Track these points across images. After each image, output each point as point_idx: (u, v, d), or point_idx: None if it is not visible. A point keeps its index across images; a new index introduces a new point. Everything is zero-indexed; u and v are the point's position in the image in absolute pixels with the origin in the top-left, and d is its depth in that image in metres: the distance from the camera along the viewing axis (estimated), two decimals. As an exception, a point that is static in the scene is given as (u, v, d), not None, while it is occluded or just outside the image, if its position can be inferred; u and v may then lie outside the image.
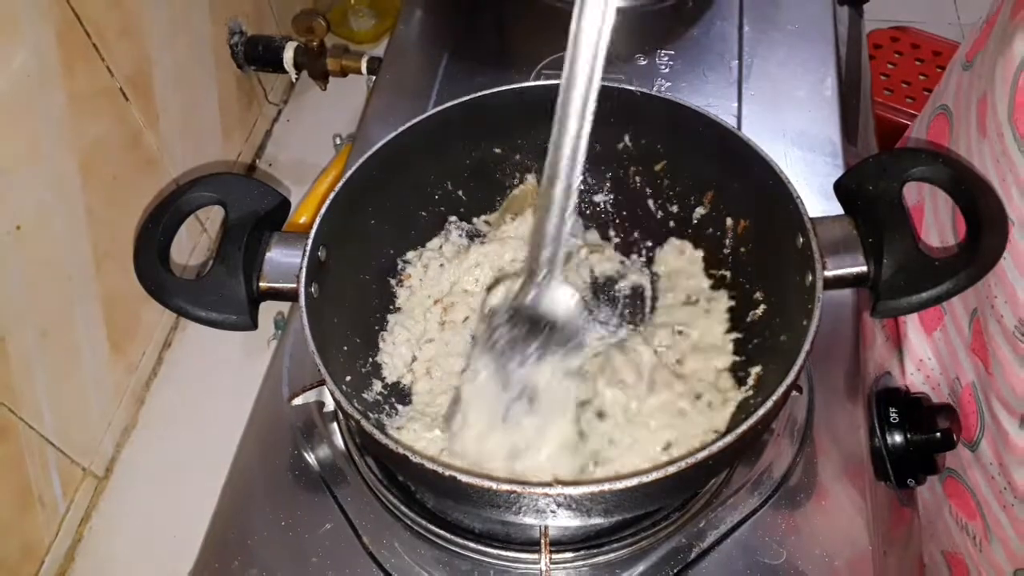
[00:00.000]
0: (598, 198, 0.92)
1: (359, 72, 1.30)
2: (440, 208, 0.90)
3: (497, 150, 0.89)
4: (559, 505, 0.61)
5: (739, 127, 0.89)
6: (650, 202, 0.90)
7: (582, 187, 0.92)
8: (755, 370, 0.76)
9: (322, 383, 0.77)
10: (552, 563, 0.72)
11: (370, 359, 0.82)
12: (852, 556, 0.74)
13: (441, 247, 0.90)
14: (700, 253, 0.88)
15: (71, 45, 0.93)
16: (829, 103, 1.07)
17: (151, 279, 0.70)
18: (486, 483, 0.59)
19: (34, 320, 0.90)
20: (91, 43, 0.96)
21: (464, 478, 0.60)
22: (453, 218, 0.91)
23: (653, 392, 0.76)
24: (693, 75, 1.10)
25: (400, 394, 0.82)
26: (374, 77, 1.23)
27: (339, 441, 0.84)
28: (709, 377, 0.79)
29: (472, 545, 0.76)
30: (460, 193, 0.90)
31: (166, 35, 1.11)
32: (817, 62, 1.11)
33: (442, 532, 0.76)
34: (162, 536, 0.97)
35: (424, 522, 0.77)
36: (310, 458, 0.83)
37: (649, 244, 0.91)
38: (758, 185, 0.76)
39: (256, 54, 1.30)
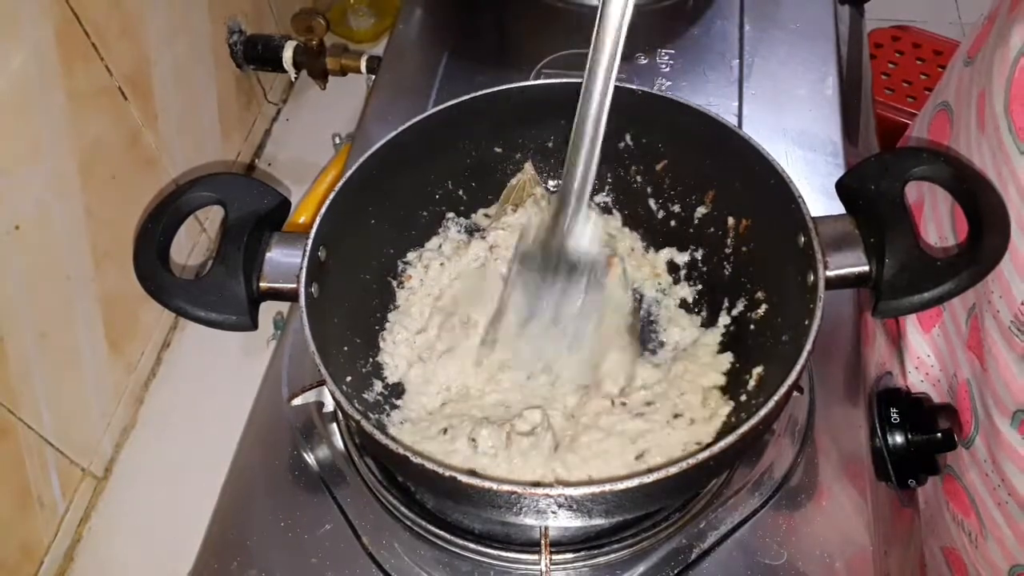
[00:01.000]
0: (599, 198, 0.92)
1: (358, 71, 1.30)
2: (441, 207, 0.90)
3: (498, 149, 0.89)
4: (560, 506, 0.61)
5: (740, 126, 0.89)
6: (651, 201, 0.90)
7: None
8: (756, 370, 0.76)
9: (322, 383, 0.77)
10: (552, 564, 0.72)
11: (370, 359, 0.82)
12: (853, 557, 0.74)
13: (440, 246, 0.90)
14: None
15: (70, 45, 0.93)
16: (830, 102, 1.06)
17: (151, 279, 0.70)
18: (486, 484, 0.59)
19: (33, 320, 0.90)
20: (90, 42, 0.96)
21: (464, 479, 0.59)
22: (451, 215, 0.91)
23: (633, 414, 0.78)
24: (694, 74, 1.10)
25: (400, 394, 0.82)
26: (374, 76, 1.23)
27: (339, 442, 0.83)
28: (696, 398, 0.79)
29: (472, 546, 0.76)
30: (461, 192, 0.90)
31: (165, 34, 1.11)
32: (818, 61, 1.11)
33: (442, 533, 0.76)
34: (161, 536, 0.97)
35: (424, 523, 0.77)
36: (309, 458, 0.83)
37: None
38: (760, 184, 0.75)
39: (255, 53, 1.29)
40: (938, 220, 0.91)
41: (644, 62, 1.11)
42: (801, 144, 1.02)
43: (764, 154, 0.75)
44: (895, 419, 0.84)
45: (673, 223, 0.89)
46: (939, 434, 0.82)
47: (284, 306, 1.08)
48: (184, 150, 1.17)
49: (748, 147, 0.76)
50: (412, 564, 0.76)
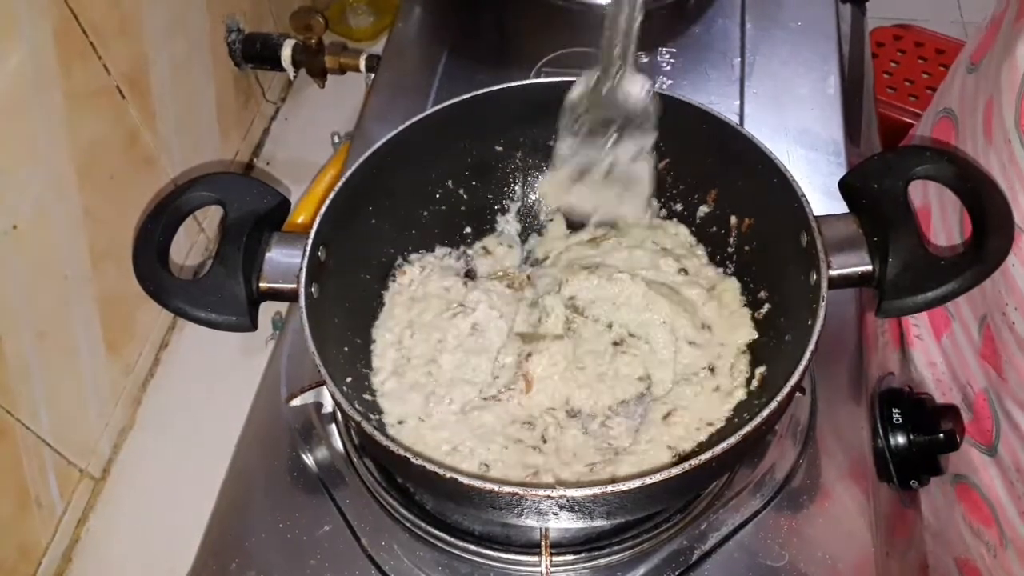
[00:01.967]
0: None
1: (357, 70, 1.29)
2: (441, 207, 0.89)
3: (498, 148, 0.89)
4: (561, 507, 0.61)
5: (741, 125, 0.88)
6: (653, 200, 0.89)
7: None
8: (759, 370, 0.76)
9: (320, 384, 0.76)
10: (552, 565, 0.72)
11: (370, 360, 0.81)
12: (855, 558, 0.74)
13: (444, 257, 0.90)
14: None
15: (68, 44, 0.92)
16: (832, 101, 1.06)
17: (150, 280, 0.70)
18: (487, 485, 0.59)
19: (31, 320, 0.90)
20: (88, 41, 0.95)
21: (465, 480, 0.59)
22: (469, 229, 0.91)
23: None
24: (695, 73, 1.10)
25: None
26: (373, 75, 1.23)
27: (337, 443, 0.83)
28: (730, 354, 0.79)
29: (472, 547, 0.75)
30: (461, 192, 0.90)
31: (163, 33, 1.10)
32: (820, 60, 1.11)
33: (441, 534, 0.76)
34: (159, 537, 0.97)
35: (423, 524, 0.76)
36: (308, 459, 0.82)
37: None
38: (762, 183, 0.75)
39: (254, 52, 1.29)
40: (947, 227, 0.90)
41: (645, 61, 1.11)
42: (803, 143, 1.02)
43: (767, 153, 0.75)
44: (897, 420, 0.84)
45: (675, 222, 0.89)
46: (941, 435, 0.82)
47: (283, 306, 1.08)
48: (182, 149, 1.17)
49: (751, 146, 0.76)
50: (411, 566, 0.75)
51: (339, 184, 0.76)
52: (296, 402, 0.82)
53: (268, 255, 0.73)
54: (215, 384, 1.10)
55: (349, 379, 0.75)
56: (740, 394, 0.76)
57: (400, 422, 0.77)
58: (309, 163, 1.29)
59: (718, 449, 0.59)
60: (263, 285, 0.72)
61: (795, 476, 0.78)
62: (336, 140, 1.28)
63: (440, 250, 0.89)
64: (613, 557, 0.74)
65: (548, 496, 0.59)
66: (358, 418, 0.64)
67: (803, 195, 0.71)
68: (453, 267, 0.89)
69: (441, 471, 0.59)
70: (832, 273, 0.68)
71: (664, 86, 1.08)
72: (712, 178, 0.84)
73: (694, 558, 0.74)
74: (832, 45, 1.13)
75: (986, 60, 0.84)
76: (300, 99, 1.45)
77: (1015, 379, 0.79)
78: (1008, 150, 0.75)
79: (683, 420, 0.74)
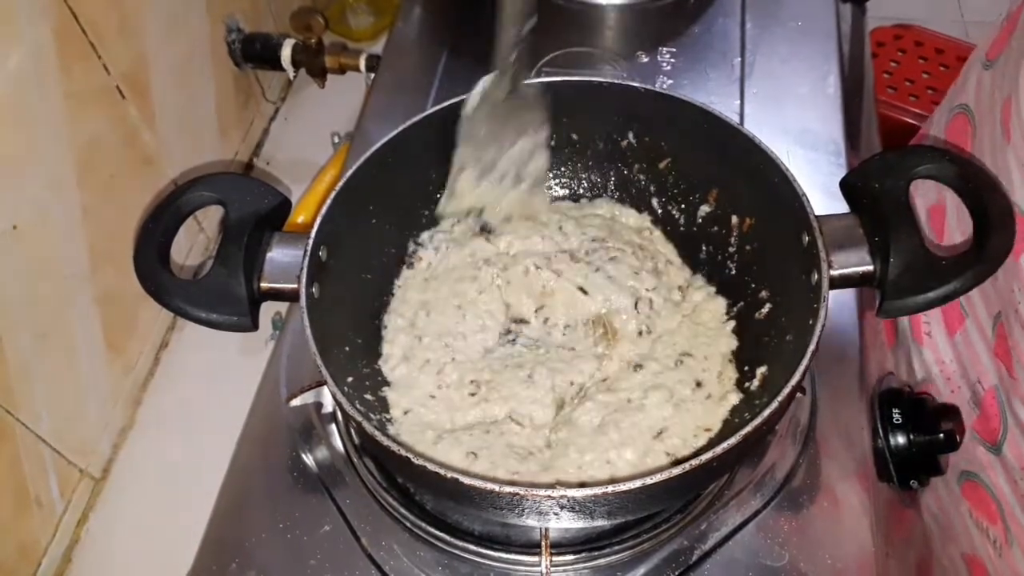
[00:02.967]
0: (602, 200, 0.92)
1: (357, 70, 1.29)
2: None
3: (499, 148, 0.88)
4: (562, 507, 0.61)
5: (741, 125, 0.88)
6: (654, 200, 0.89)
7: (586, 185, 0.92)
8: (760, 370, 0.75)
9: (320, 384, 0.76)
10: (552, 565, 0.72)
11: (371, 360, 0.81)
12: (855, 558, 0.74)
13: (453, 226, 0.89)
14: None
15: (68, 43, 0.92)
16: (832, 101, 1.06)
17: (151, 280, 0.70)
18: (489, 485, 0.59)
19: (31, 320, 0.90)
20: (88, 41, 0.95)
21: (466, 480, 0.59)
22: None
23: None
24: (695, 73, 1.10)
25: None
26: (373, 75, 1.23)
27: (337, 442, 0.83)
28: (715, 365, 0.79)
29: (472, 547, 0.75)
30: (461, 192, 0.89)
31: (163, 33, 1.10)
32: (820, 59, 1.11)
33: (441, 534, 0.76)
34: (160, 537, 0.97)
35: (423, 524, 0.76)
36: (308, 459, 0.82)
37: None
38: (763, 183, 0.75)
39: (254, 52, 1.29)
40: (963, 226, 0.90)
41: (645, 61, 1.11)
42: (803, 143, 1.02)
43: (768, 152, 0.75)
44: (897, 420, 0.84)
45: (676, 222, 0.89)
46: (941, 435, 0.82)
47: (283, 306, 1.08)
48: (182, 149, 1.17)
49: (752, 145, 0.76)
50: (411, 565, 0.75)
51: (340, 184, 0.76)
52: (296, 402, 0.82)
53: (269, 255, 0.73)
54: (215, 384, 1.09)
55: (350, 379, 0.75)
56: (733, 398, 0.76)
57: (407, 412, 0.78)
58: (309, 163, 1.29)
59: (719, 449, 0.59)
60: (264, 285, 0.72)
61: (795, 476, 0.78)
62: (336, 140, 1.28)
63: (446, 222, 0.89)
64: (613, 557, 0.74)
65: (549, 496, 0.59)
66: (359, 418, 0.64)
67: (804, 195, 0.71)
68: (469, 231, 0.89)
69: (442, 471, 0.59)
70: (833, 273, 0.68)
71: (664, 86, 1.08)
72: (713, 178, 0.84)
73: (694, 558, 0.74)
74: (832, 45, 1.13)
75: (1003, 57, 0.84)
76: (300, 99, 1.45)
77: (1023, 377, 0.79)
78: (1014, 145, 0.75)
79: (677, 432, 0.74)
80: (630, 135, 0.87)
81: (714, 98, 1.06)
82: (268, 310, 1.07)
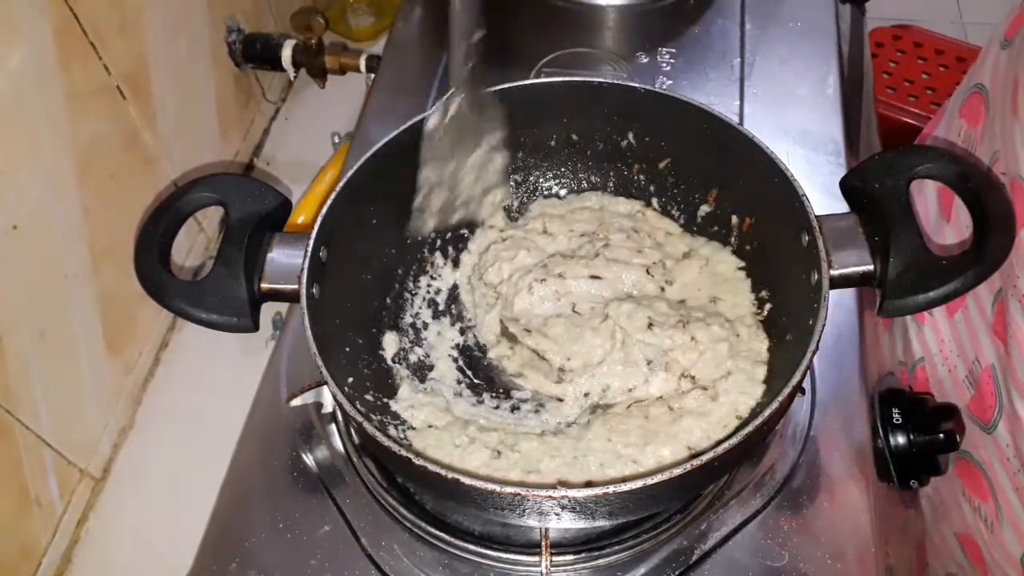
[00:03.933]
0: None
1: (358, 70, 1.29)
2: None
3: (499, 148, 0.88)
4: (563, 508, 0.61)
5: (741, 125, 0.88)
6: (655, 200, 0.89)
7: (586, 185, 0.92)
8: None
9: (321, 384, 0.76)
10: (553, 565, 0.72)
11: (371, 360, 0.81)
12: (855, 557, 0.74)
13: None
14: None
15: (68, 43, 0.92)
16: (831, 101, 1.06)
17: (152, 280, 0.70)
18: (489, 486, 0.59)
19: (31, 320, 0.90)
20: (88, 41, 0.95)
21: (467, 481, 0.59)
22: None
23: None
24: (695, 73, 1.10)
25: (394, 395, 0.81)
26: (373, 75, 1.23)
27: (337, 443, 0.83)
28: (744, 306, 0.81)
29: (472, 547, 0.75)
30: (461, 192, 0.90)
31: (164, 33, 1.10)
32: (819, 60, 1.11)
33: (441, 534, 0.76)
34: (160, 537, 0.97)
35: (423, 524, 0.76)
36: (308, 459, 0.82)
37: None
38: (763, 183, 0.75)
39: (254, 52, 1.29)
40: None
41: (645, 61, 1.11)
42: (802, 143, 1.02)
43: (768, 152, 0.75)
44: (897, 419, 0.84)
45: (677, 221, 0.89)
46: (941, 435, 0.82)
47: (283, 306, 1.08)
48: (182, 149, 1.17)
49: (752, 145, 0.76)
50: (411, 566, 0.75)
51: (340, 185, 0.76)
52: (296, 402, 0.82)
53: (269, 256, 0.73)
54: (215, 384, 1.09)
55: (350, 379, 0.75)
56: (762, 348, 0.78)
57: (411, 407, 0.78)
58: (309, 163, 1.29)
59: (719, 449, 0.59)
60: (264, 286, 0.72)
61: (795, 476, 0.78)
62: (336, 140, 1.28)
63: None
64: (613, 557, 0.74)
65: (550, 496, 0.59)
66: (359, 418, 0.64)
67: (804, 194, 0.71)
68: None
69: (443, 471, 0.59)
70: (833, 273, 0.68)
71: (664, 86, 1.08)
72: (713, 178, 0.84)
73: (694, 558, 0.74)
74: (832, 45, 1.13)
75: (1019, 36, 0.84)
76: (300, 99, 1.45)
77: (1017, 352, 0.79)
78: (1021, 122, 0.75)
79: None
80: (630, 135, 0.87)
81: (714, 98, 1.06)
82: (268, 310, 1.07)
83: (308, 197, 1.17)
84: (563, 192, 0.93)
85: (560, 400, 0.80)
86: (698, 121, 0.80)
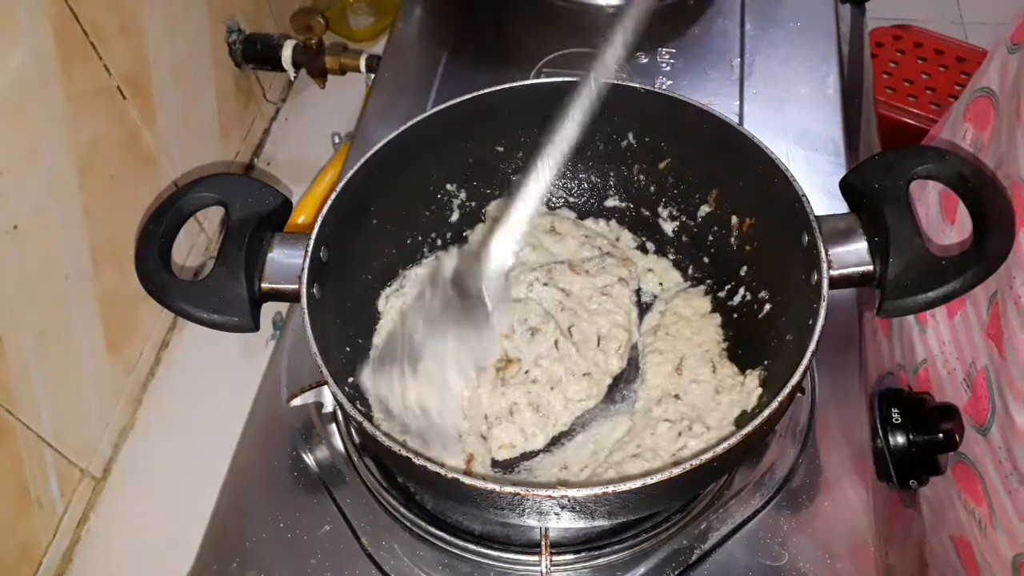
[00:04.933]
0: (609, 202, 0.92)
1: (358, 70, 1.30)
2: (443, 209, 0.90)
3: (499, 148, 0.89)
4: (562, 507, 0.61)
5: (741, 125, 0.89)
6: (654, 200, 0.89)
7: (586, 185, 0.92)
8: (760, 370, 0.76)
9: (321, 384, 0.76)
10: (552, 565, 0.72)
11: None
12: (854, 557, 0.74)
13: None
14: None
15: (69, 44, 0.92)
16: (831, 101, 1.06)
17: (152, 280, 0.70)
18: (489, 486, 0.59)
19: (32, 320, 0.90)
20: (89, 42, 0.95)
21: (467, 480, 0.59)
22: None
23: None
24: (695, 73, 1.10)
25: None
26: (373, 75, 1.23)
27: (338, 442, 0.83)
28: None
29: (472, 547, 0.75)
30: (462, 192, 0.90)
31: (164, 33, 1.10)
32: (819, 60, 1.11)
33: (442, 534, 0.76)
34: (160, 537, 0.97)
35: (424, 524, 0.76)
36: (309, 459, 0.82)
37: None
38: (763, 183, 0.75)
39: (254, 52, 1.29)
40: None
41: (645, 61, 1.11)
42: (802, 143, 1.02)
43: (768, 152, 0.75)
44: (896, 419, 0.84)
45: (676, 223, 0.89)
46: (940, 435, 0.82)
47: (283, 306, 1.08)
48: (183, 150, 1.17)
49: (752, 145, 0.76)
50: (412, 565, 0.75)
51: (340, 185, 0.76)
52: (296, 402, 0.82)
53: (270, 256, 0.73)
54: (216, 384, 1.09)
55: (351, 379, 0.75)
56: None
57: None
58: (309, 163, 1.29)
59: (719, 449, 0.59)
60: (265, 286, 0.72)
61: (795, 476, 0.78)
62: (336, 140, 1.28)
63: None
64: (613, 556, 0.75)
65: (549, 496, 0.59)
66: (360, 418, 0.64)
67: (803, 195, 0.71)
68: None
69: (443, 471, 0.59)
70: (833, 273, 0.68)
71: (663, 86, 1.08)
72: (713, 178, 0.84)
73: (694, 557, 0.74)
74: (832, 45, 1.13)
75: None
76: (300, 99, 1.45)
77: (1012, 356, 0.79)
78: None
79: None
80: (630, 135, 0.87)
81: (714, 98, 1.06)
82: (269, 310, 1.07)
83: (308, 197, 1.17)
84: (563, 192, 0.93)
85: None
86: (698, 121, 0.80)
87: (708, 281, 0.87)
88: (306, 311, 0.69)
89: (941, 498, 0.97)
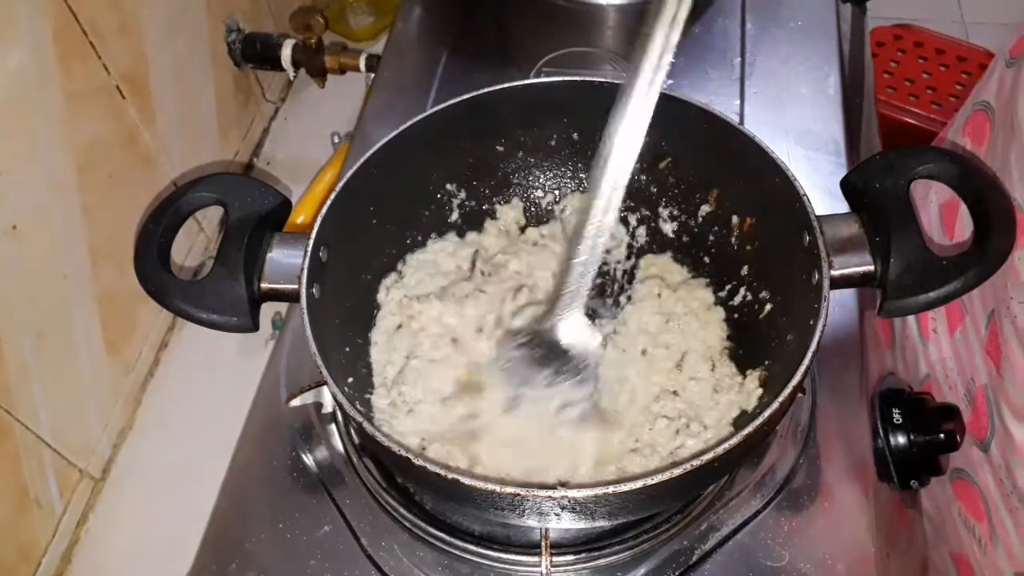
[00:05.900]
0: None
1: (357, 70, 1.30)
2: (443, 209, 0.89)
3: (499, 148, 0.88)
4: (563, 508, 0.60)
5: (742, 125, 0.88)
6: (654, 200, 0.89)
7: (586, 186, 0.92)
8: (760, 371, 0.75)
9: (320, 384, 0.76)
10: (553, 566, 0.71)
11: (371, 360, 0.81)
12: (855, 558, 0.74)
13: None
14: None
15: (68, 43, 0.92)
16: (832, 101, 1.06)
17: (152, 280, 0.70)
18: (489, 486, 0.58)
19: (30, 320, 0.90)
20: (88, 41, 0.95)
21: (467, 481, 0.59)
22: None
23: None
24: (695, 73, 1.10)
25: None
26: (372, 75, 1.23)
27: (337, 443, 0.83)
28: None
29: (472, 548, 0.75)
30: (462, 192, 0.90)
31: (163, 33, 1.10)
32: (820, 60, 1.11)
33: (441, 534, 0.76)
34: (159, 538, 0.97)
35: (423, 524, 0.76)
36: (308, 460, 0.82)
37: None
38: (764, 183, 0.75)
39: (253, 52, 1.29)
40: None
41: (645, 61, 1.11)
42: (803, 143, 1.01)
43: (768, 152, 0.74)
44: (897, 420, 0.84)
45: (677, 223, 0.89)
46: (941, 435, 0.82)
47: (283, 306, 1.08)
48: (182, 149, 1.17)
49: (752, 145, 0.75)
50: (411, 566, 0.75)
51: (339, 185, 0.76)
52: (296, 402, 0.82)
53: (269, 256, 0.73)
54: (215, 384, 1.10)
55: (350, 379, 0.75)
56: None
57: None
58: (309, 163, 1.29)
59: (719, 449, 0.59)
60: (264, 286, 0.72)
61: (795, 476, 0.78)
62: (336, 140, 1.28)
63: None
64: (613, 557, 0.74)
65: (550, 497, 0.59)
66: (360, 418, 0.64)
67: (804, 194, 0.71)
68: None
69: (442, 471, 0.59)
70: (834, 273, 0.68)
71: (664, 86, 1.08)
72: (713, 178, 0.84)
73: (694, 558, 0.74)
74: (832, 45, 1.13)
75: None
76: (300, 99, 1.45)
77: (1010, 374, 0.79)
78: (1020, 141, 0.75)
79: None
80: (630, 136, 0.87)
81: (714, 98, 1.06)
82: (268, 310, 1.08)
83: (308, 197, 1.17)
84: (562, 194, 0.93)
85: None
86: (698, 121, 0.79)
87: (709, 281, 0.87)
88: (305, 311, 0.68)
89: (942, 513, 0.97)
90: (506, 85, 0.83)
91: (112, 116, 1.02)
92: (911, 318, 1.01)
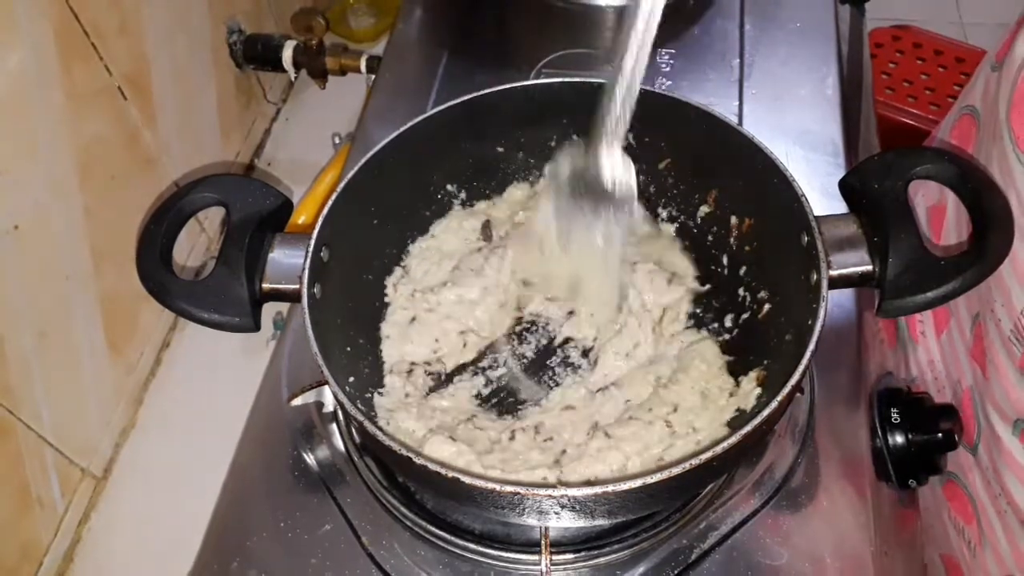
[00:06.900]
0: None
1: (358, 71, 1.30)
2: (444, 209, 0.90)
3: (499, 149, 0.89)
4: (562, 507, 0.61)
5: (740, 126, 0.89)
6: (653, 201, 0.89)
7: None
8: (758, 370, 0.76)
9: (322, 383, 0.76)
10: (552, 564, 0.72)
11: (372, 360, 0.82)
12: (853, 557, 0.74)
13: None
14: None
15: (69, 43, 0.93)
16: (831, 102, 1.06)
17: (154, 280, 0.70)
18: (490, 484, 0.59)
19: (32, 320, 0.90)
20: (89, 42, 0.96)
21: (467, 480, 0.59)
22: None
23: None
24: (694, 74, 1.10)
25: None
26: (373, 76, 1.23)
27: (338, 442, 0.83)
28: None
29: (472, 546, 0.75)
30: (463, 193, 0.90)
31: (164, 34, 1.11)
32: (819, 61, 1.11)
33: (442, 533, 0.76)
34: (161, 537, 0.97)
35: (424, 523, 0.76)
36: (309, 459, 0.82)
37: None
38: (762, 183, 0.75)
39: (255, 53, 1.29)
40: (960, 227, 0.90)
41: (644, 61, 1.11)
42: (802, 144, 1.02)
43: (767, 152, 0.75)
44: (896, 419, 0.84)
45: (676, 223, 0.89)
46: (940, 434, 0.82)
47: (284, 306, 1.08)
48: (183, 150, 1.17)
49: (751, 145, 0.76)
50: (412, 564, 0.76)
51: (340, 185, 0.76)
52: (297, 401, 0.82)
53: (271, 256, 0.73)
54: (216, 384, 1.10)
55: (352, 379, 0.76)
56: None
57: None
58: (310, 164, 1.29)
59: (718, 448, 0.59)
60: (266, 286, 0.72)
61: (794, 475, 0.78)
62: (337, 141, 1.29)
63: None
64: (613, 556, 0.75)
65: (549, 495, 0.59)
66: (361, 417, 0.64)
67: (803, 195, 0.71)
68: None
69: (443, 470, 0.59)
70: (832, 273, 0.68)
71: (663, 87, 1.08)
72: (712, 178, 0.84)
73: (693, 557, 0.74)
74: (831, 46, 1.13)
75: (1007, 59, 0.85)
76: (301, 100, 1.46)
77: (995, 378, 0.79)
78: (1001, 146, 0.76)
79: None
80: (630, 135, 0.86)
81: (713, 99, 1.06)
82: (269, 310, 1.08)
83: (309, 197, 1.17)
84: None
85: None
86: (697, 121, 0.80)
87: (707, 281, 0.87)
88: (307, 311, 0.69)
89: (931, 514, 0.97)
90: (506, 86, 0.83)
91: (114, 117, 1.02)
92: (903, 320, 1.01)
